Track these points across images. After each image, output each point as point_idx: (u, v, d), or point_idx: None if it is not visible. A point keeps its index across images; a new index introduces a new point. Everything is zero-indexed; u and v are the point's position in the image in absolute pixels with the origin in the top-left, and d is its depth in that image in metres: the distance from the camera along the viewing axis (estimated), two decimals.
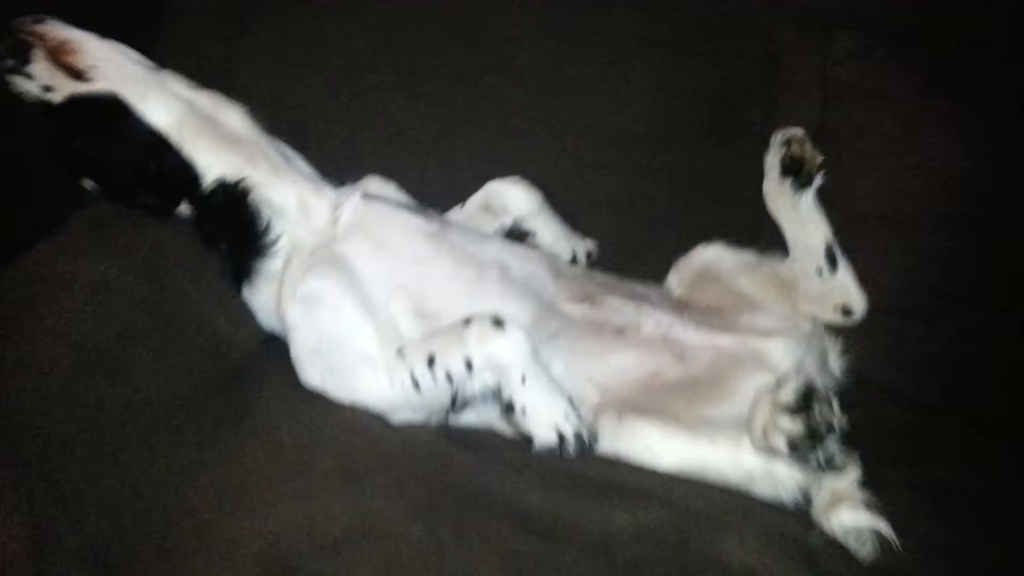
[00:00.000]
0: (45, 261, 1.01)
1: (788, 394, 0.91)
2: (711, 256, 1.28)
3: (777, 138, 1.22)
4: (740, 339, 1.14)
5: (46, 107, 1.08)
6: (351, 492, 0.92)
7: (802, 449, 0.90)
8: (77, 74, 1.07)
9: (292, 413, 1.06)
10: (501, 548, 0.86)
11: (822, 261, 1.19)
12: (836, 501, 0.95)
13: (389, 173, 1.31)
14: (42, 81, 1.07)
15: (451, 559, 0.84)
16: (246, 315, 1.15)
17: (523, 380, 1.02)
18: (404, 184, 1.31)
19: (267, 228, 1.12)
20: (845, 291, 1.20)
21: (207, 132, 1.11)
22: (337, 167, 1.27)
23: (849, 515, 0.93)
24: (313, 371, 1.07)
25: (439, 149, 1.39)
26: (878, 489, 0.96)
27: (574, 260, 1.34)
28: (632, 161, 1.39)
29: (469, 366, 1.01)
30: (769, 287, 1.23)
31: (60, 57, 1.07)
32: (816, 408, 0.90)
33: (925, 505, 1.01)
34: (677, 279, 1.29)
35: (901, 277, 1.21)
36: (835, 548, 0.93)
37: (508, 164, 1.36)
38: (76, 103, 1.07)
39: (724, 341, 1.15)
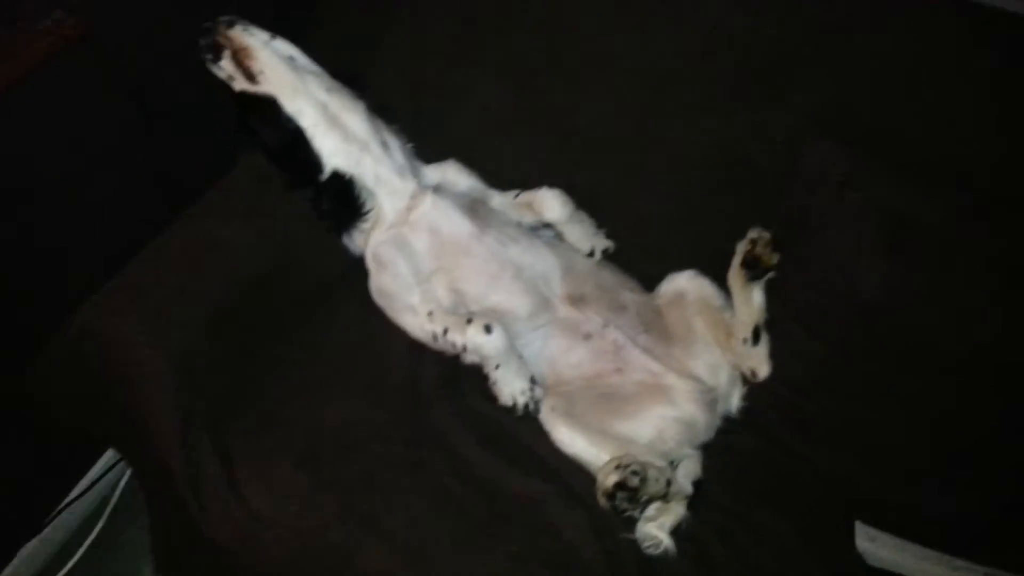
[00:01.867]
0: (203, 225, 1.56)
1: (607, 480, 1.32)
2: (687, 284, 1.63)
3: (748, 234, 1.51)
4: (666, 370, 1.55)
5: (230, 89, 1.54)
6: (365, 401, 1.52)
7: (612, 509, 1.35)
8: (250, 76, 1.50)
9: (359, 330, 1.63)
10: (435, 482, 1.42)
11: (749, 335, 1.54)
12: (657, 514, 1.42)
13: (469, 155, 1.71)
14: (227, 73, 1.50)
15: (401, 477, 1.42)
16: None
17: (496, 366, 1.51)
18: (480, 162, 1.71)
19: (363, 203, 1.59)
20: (758, 360, 1.56)
21: (332, 133, 1.53)
22: (429, 144, 1.68)
23: (652, 525, 1.38)
24: (377, 299, 1.61)
25: (515, 144, 1.74)
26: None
27: (591, 254, 1.70)
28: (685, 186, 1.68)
29: (464, 347, 1.51)
30: (717, 331, 1.57)
31: (240, 59, 1.49)
32: (619, 497, 1.31)
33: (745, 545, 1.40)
34: (662, 291, 1.66)
35: (806, 366, 1.53)
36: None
37: (566, 166, 1.71)
38: (247, 95, 1.52)
39: (654, 367, 1.56)
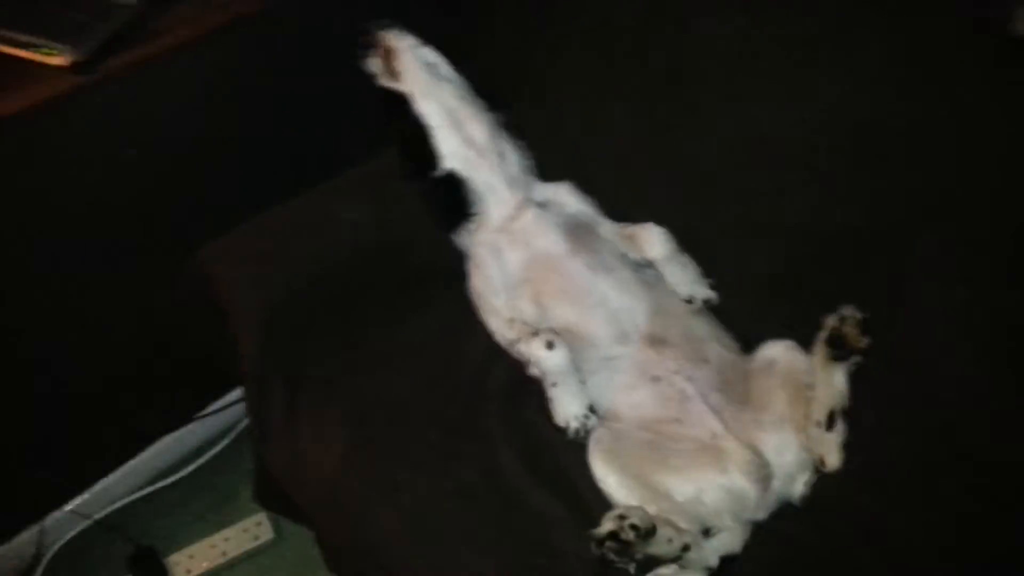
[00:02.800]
0: (323, 200, 1.74)
1: (603, 527, 1.28)
2: (781, 354, 1.53)
3: (840, 310, 1.41)
4: (727, 433, 1.46)
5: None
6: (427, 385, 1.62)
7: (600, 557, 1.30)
8: (393, 74, 1.67)
9: (448, 321, 1.73)
10: (462, 475, 1.47)
11: (823, 418, 1.42)
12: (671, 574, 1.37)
13: (586, 181, 1.76)
14: (376, 69, 1.69)
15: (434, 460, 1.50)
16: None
17: (554, 384, 1.54)
18: (596, 190, 1.75)
19: (471, 205, 1.69)
20: (828, 447, 1.42)
21: (454, 136, 1.66)
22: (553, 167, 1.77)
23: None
24: (472, 297, 1.69)
25: (631, 178, 1.77)
26: None
27: (690, 300, 1.65)
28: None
29: (528, 359, 1.56)
30: (796, 409, 1.46)
31: (388, 59, 1.67)
32: (607, 546, 1.26)
33: None
34: (757, 357, 1.58)
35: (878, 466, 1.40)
36: None
37: (678, 208, 1.69)
38: (388, 90, 1.69)
39: (716, 427, 1.48)
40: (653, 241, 1.65)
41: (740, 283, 1.66)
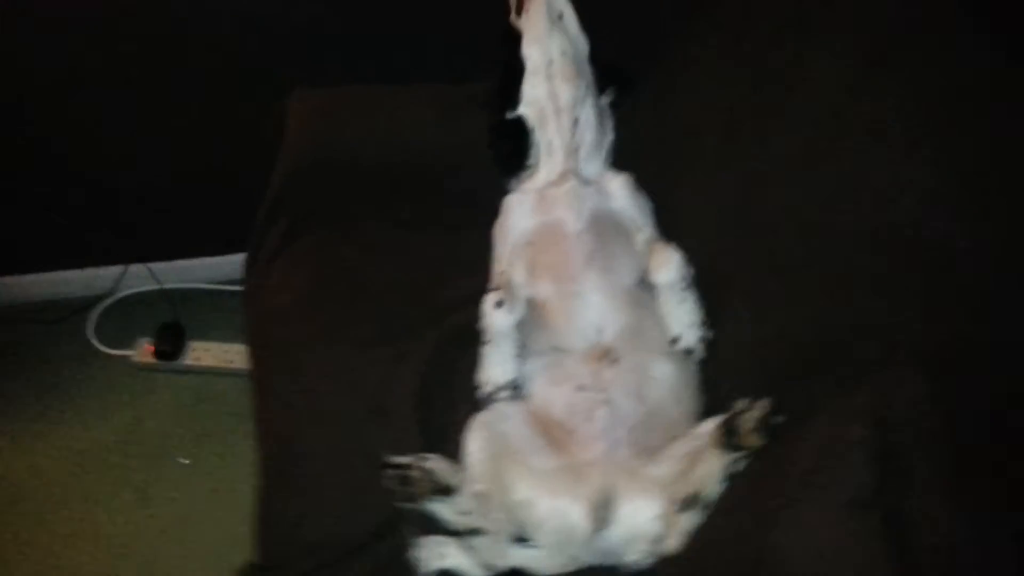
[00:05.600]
0: (405, 97, 1.85)
1: (400, 458, 1.30)
2: (711, 429, 1.35)
3: (756, 401, 1.26)
4: (599, 467, 1.36)
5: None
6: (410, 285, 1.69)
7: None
8: (519, 11, 1.70)
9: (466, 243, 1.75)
10: (375, 378, 1.52)
11: (681, 498, 1.29)
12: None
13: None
14: (513, 23, 1.73)
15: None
16: None
17: (488, 343, 1.52)
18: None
19: (527, 157, 1.69)
20: (674, 529, 1.29)
21: (540, 86, 1.65)
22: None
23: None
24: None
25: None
26: None
27: (675, 341, 1.52)
28: None
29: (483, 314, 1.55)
30: (683, 480, 1.33)
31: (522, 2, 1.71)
32: (387, 473, 1.29)
33: None
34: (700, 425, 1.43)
35: None
36: None
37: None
38: (511, 25, 1.72)
39: (595, 456, 1.38)
40: (664, 263, 1.54)
41: (735, 349, 1.50)
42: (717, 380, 1.50)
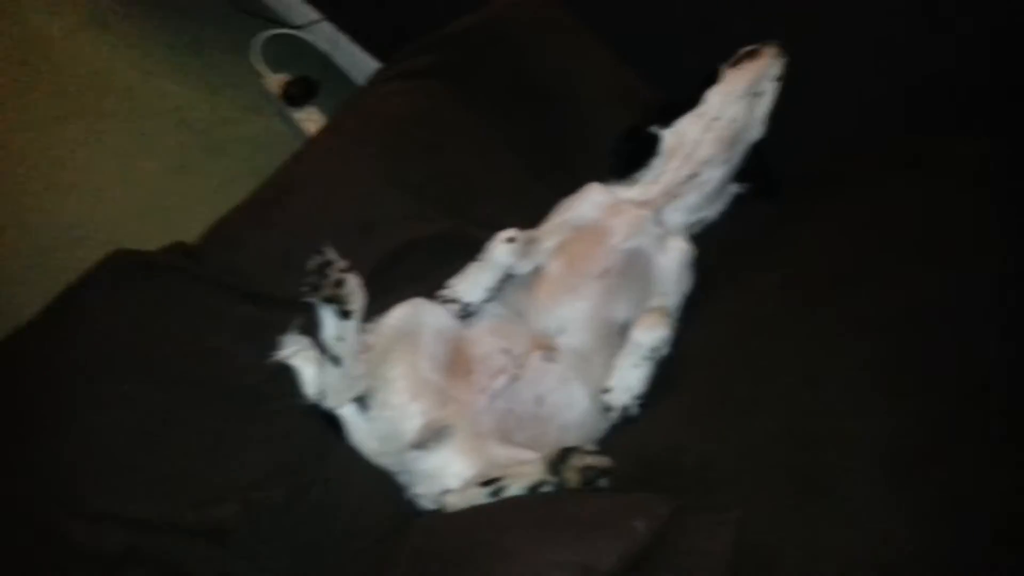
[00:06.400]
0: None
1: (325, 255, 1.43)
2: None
3: (597, 450, 1.31)
4: (468, 411, 1.45)
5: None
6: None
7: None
8: (738, 62, 1.72)
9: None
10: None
11: (488, 477, 1.35)
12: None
13: None
14: (739, 50, 1.75)
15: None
16: None
17: (476, 262, 1.59)
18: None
19: (638, 172, 1.74)
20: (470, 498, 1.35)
21: (697, 127, 1.68)
22: None
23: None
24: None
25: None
26: None
27: (606, 391, 1.51)
28: None
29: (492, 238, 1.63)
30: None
31: (750, 53, 1.72)
32: (308, 264, 1.41)
33: None
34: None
35: None
36: None
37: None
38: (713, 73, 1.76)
39: (473, 405, 1.47)
40: (651, 325, 1.54)
41: (640, 435, 1.48)
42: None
